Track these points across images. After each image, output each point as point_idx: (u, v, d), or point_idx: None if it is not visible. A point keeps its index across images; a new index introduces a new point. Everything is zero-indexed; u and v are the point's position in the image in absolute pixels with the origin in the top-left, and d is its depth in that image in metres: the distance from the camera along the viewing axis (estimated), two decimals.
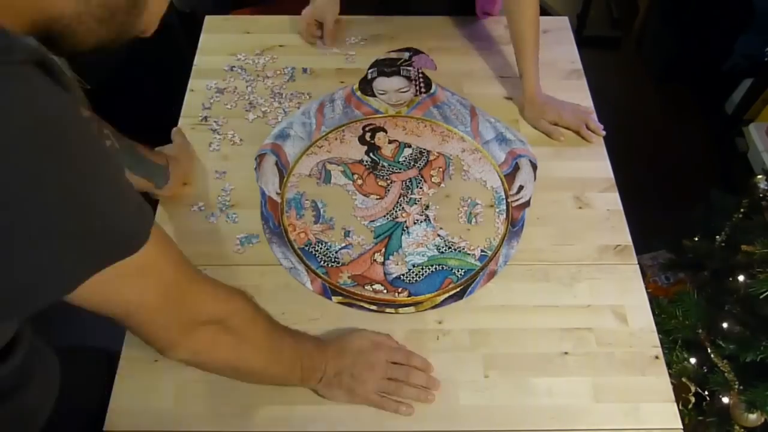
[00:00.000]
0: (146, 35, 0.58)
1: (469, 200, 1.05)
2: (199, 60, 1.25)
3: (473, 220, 1.02)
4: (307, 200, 1.04)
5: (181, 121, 1.15)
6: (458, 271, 0.96)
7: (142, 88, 1.77)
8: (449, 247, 0.99)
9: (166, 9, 0.58)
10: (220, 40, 1.29)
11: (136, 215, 0.52)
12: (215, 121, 1.15)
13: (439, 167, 1.09)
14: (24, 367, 0.66)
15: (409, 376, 0.84)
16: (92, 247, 0.48)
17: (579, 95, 1.21)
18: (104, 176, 0.48)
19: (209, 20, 1.34)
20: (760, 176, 1.21)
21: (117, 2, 0.52)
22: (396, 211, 1.03)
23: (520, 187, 1.07)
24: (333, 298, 0.94)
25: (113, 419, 0.81)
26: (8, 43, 0.42)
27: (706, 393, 1.17)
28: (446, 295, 0.94)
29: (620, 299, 0.94)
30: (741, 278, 1.14)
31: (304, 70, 1.24)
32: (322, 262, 0.97)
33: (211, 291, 0.65)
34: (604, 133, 1.14)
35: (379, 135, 1.14)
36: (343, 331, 0.89)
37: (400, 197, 1.05)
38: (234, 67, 1.24)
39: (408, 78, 1.23)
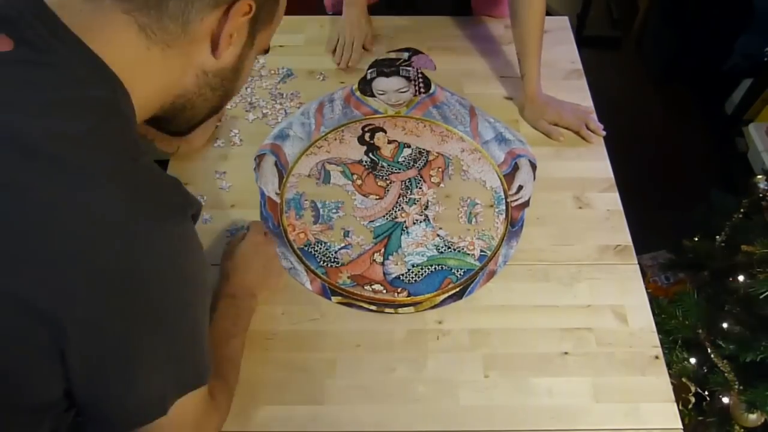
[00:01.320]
0: (234, 95, 0.66)
1: (469, 200, 1.05)
2: None
3: (473, 219, 1.02)
4: (306, 200, 1.04)
5: None
6: (458, 271, 0.96)
7: None
8: (448, 247, 0.99)
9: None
10: None
11: (208, 351, 0.61)
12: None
13: (439, 167, 1.09)
14: None
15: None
16: (193, 372, 0.58)
17: (579, 95, 1.21)
18: (204, 319, 0.58)
19: None
20: (760, 176, 1.21)
21: (226, 71, 0.59)
22: (395, 211, 1.03)
23: (520, 187, 1.07)
24: (332, 298, 0.94)
25: None
26: (186, 201, 0.53)
27: (706, 393, 1.17)
28: (446, 295, 0.94)
29: (620, 299, 0.94)
30: (741, 278, 1.14)
31: (305, 71, 1.24)
32: (322, 263, 0.97)
33: (220, 411, 0.71)
34: (604, 133, 1.14)
35: (379, 135, 1.14)
36: (343, 330, 0.90)
37: (399, 197, 1.05)
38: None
39: (407, 78, 1.23)
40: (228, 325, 0.83)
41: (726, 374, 1.12)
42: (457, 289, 0.94)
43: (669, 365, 0.94)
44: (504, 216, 1.03)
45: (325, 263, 0.97)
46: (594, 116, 1.16)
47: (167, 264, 0.50)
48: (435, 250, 0.98)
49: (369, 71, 1.25)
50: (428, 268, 0.96)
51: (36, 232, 0.45)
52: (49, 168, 0.46)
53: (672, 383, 0.87)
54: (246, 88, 1.20)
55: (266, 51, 0.67)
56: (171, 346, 0.54)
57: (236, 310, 0.85)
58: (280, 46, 1.28)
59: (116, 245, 0.47)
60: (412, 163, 1.10)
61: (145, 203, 0.49)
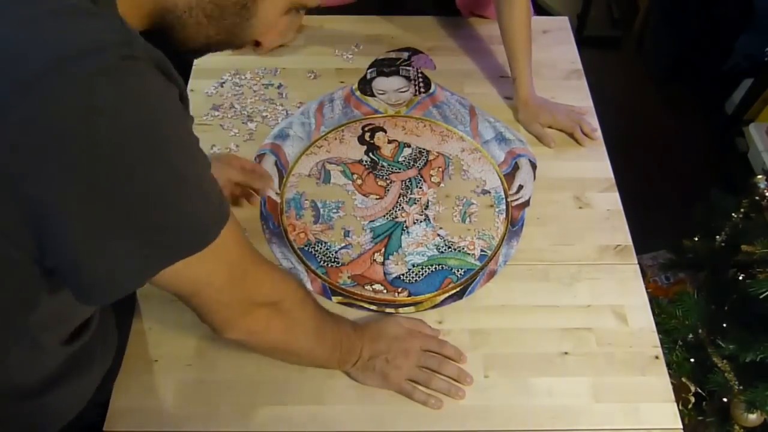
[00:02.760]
0: (263, 51, 0.62)
1: (465, 199, 1.05)
2: (199, 60, 1.25)
3: (467, 219, 1.02)
4: (306, 200, 1.04)
5: None
6: (458, 270, 0.96)
7: None
8: (449, 247, 0.99)
9: (278, 22, 0.60)
10: None
11: (217, 209, 0.54)
12: (217, 121, 1.15)
13: (439, 167, 1.09)
14: (90, 347, 0.70)
15: (441, 365, 0.85)
16: (176, 240, 0.51)
17: (579, 95, 1.21)
18: (197, 176, 0.51)
19: None
20: (760, 176, 1.21)
21: (227, 2, 0.55)
22: (395, 211, 1.03)
23: (520, 187, 1.07)
24: (333, 298, 0.94)
25: (113, 419, 0.81)
26: (129, 38, 0.45)
27: (706, 393, 1.17)
28: (446, 295, 0.94)
29: (620, 299, 0.94)
30: (741, 278, 1.14)
31: (305, 71, 1.24)
32: (322, 263, 0.97)
33: (269, 273, 0.67)
34: (597, 137, 1.13)
35: (379, 135, 1.14)
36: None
37: (399, 197, 1.05)
38: (236, 69, 1.24)
39: (407, 78, 1.23)
40: (350, 342, 0.81)
41: (726, 374, 1.12)
42: (458, 289, 0.94)
43: (669, 365, 0.94)
44: (504, 216, 1.03)
45: (326, 263, 0.97)
46: (589, 117, 1.16)
47: (124, 116, 0.44)
48: (435, 250, 0.98)
49: (369, 71, 1.25)
50: (428, 268, 0.96)
51: None
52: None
53: (672, 383, 0.87)
54: (246, 89, 1.20)
55: (309, 10, 0.61)
56: (139, 214, 0.47)
57: (349, 345, 0.82)
58: (281, 45, 1.28)
59: (66, 92, 0.42)
60: (412, 163, 1.10)
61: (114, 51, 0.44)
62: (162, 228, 0.49)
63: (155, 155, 0.46)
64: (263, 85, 1.22)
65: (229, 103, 1.18)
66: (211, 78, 1.22)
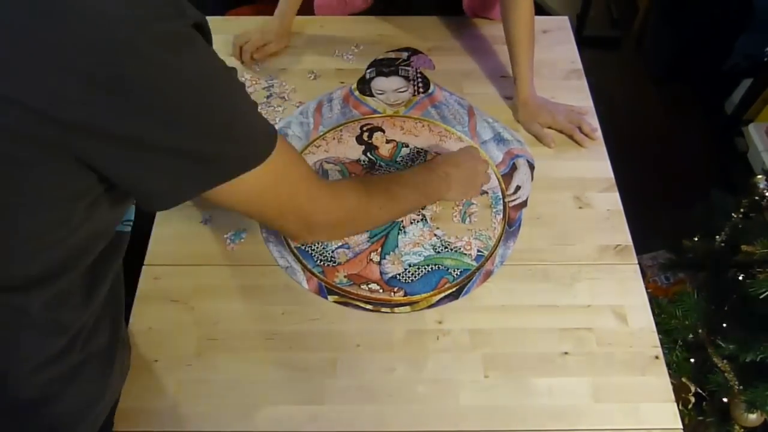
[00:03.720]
0: None
1: (464, 200, 1.04)
2: None
3: (467, 219, 1.02)
4: None
5: None
6: (454, 270, 0.96)
7: None
8: (445, 247, 0.99)
9: None
10: (220, 41, 1.29)
11: (263, 138, 0.63)
12: None
13: None
14: (110, 352, 0.73)
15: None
16: (222, 162, 0.59)
17: (579, 95, 1.21)
18: (245, 112, 0.61)
19: (209, 20, 1.33)
20: (760, 176, 1.20)
21: None
22: None
23: (517, 187, 1.07)
24: (329, 297, 0.93)
25: (113, 419, 0.81)
26: (182, 8, 0.53)
27: (706, 393, 1.17)
28: (442, 295, 0.94)
29: (620, 299, 0.94)
30: (741, 278, 1.13)
31: (305, 71, 1.24)
32: (319, 262, 0.97)
33: (327, 198, 0.75)
34: (597, 137, 1.13)
35: (377, 135, 1.14)
36: (343, 330, 0.90)
37: None
38: (236, 69, 1.24)
39: (406, 78, 1.23)
40: (414, 179, 0.92)
41: (726, 374, 1.11)
42: (454, 289, 0.94)
43: (669, 365, 0.94)
44: (501, 216, 1.03)
45: (322, 262, 0.97)
46: (589, 117, 1.16)
47: (164, 63, 0.50)
48: (432, 250, 0.98)
49: (368, 71, 1.25)
50: (425, 268, 0.96)
51: (28, 32, 0.46)
52: None
53: (672, 383, 0.87)
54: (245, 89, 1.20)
55: None
56: (185, 141, 0.54)
57: (428, 178, 0.93)
58: (273, 53, 1.28)
59: (111, 44, 0.47)
60: (410, 163, 1.10)
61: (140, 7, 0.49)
62: (232, 139, 0.58)
63: (217, 95, 0.56)
64: (263, 84, 1.22)
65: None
66: None
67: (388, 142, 1.13)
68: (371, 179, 0.95)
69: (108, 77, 0.47)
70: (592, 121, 1.16)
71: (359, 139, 1.13)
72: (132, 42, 0.47)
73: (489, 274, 0.96)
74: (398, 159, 1.10)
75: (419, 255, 0.98)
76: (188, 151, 0.55)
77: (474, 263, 0.97)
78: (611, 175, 1.09)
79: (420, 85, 1.22)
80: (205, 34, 0.58)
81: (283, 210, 0.70)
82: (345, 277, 0.95)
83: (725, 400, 1.13)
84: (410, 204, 0.93)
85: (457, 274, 0.96)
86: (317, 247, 0.98)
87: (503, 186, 1.07)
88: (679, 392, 1.14)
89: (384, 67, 1.25)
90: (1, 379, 0.62)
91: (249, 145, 0.61)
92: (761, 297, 1.02)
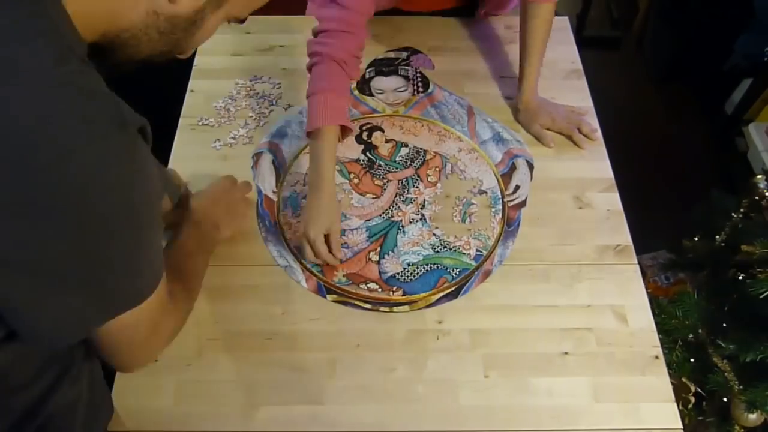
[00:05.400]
0: (184, 56, 0.64)
1: (464, 200, 1.04)
2: (199, 60, 1.25)
3: (467, 219, 1.02)
4: (303, 199, 1.04)
5: (181, 122, 1.15)
6: (453, 270, 0.96)
7: (142, 88, 1.76)
8: (444, 247, 0.99)
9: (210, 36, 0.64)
10: (220, 41, 1.29)
11: (157, 273, 0.59)
12: (217, 122, 1.15)
13: (436, 167, 1.09)
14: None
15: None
16: (118, 298, 0.55)
17: (579, 95, 1.21)
18: (151, 242, 0.56)
19: None
20: (760, 176, 1.20)
21: (179, 19, 0.57)
22: (392, 211, 1.03)
23: (517, 187, 1.07)
24: (327, 296, 0.93)
25: (113, 419, 0.81)
26: (124, 117, 0.50)
27: (706, 393, 1.17)
28: (440, 294, 0.94)
29: (620, 299, 0.94)
30: (741, 278, 1.13)
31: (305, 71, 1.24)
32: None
33: (174, 314, 0.70)
34: (597, 137, 1.13)
35: (376, 134, 1.14)
36: (343, 329, 0.90)
37: (396, 196, 1.05)
38: (236, 69, 1.24)
39: (406, 77, 1.23)
40: (191, 244, 0.86)
41: (726, 374, 1.11)
42: (452, 289, 0.94)
43: (669, 365, 0.94)
44: (500, 216, 1.03)
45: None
46: (589, 118, 1.16)
47: (90, 178, 0.47)
48: (431, 250, 0.98)
49: (368, 70, 1.25)
50: (424, 267, 0.96)
51: None
52: None
53: (672, 383, 0.87)
54: (246, 88, 1.20)
55: (241, 21, 0.67)
56: (86, 270, 0.51)
57: (199, 234, 0.88)
58: (280, 45, 1.28)
59: (24, 166, 0.45)
60: (409, 163, 1.10)
61: (66, 118, 0.46)
62: (110, 288, 0.54)
63: (132, 226, 0.52)
64: (263, 84, 1.22)
65: (228, 102, 1.18)
66: (211, 78, 1.22)
67: (387, 141, 1.13)
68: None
69: (15, 201, 0.45)
70: (592, 122, 1.16)
71: (359, 139, 1.13)
72: (51, 167, 0.45)
73: (488, 273, 0.96)
74: (397, 158, 1.10)
75: (418, 254, 0.98)
76: (98, 280, 0.52)
77: (473, 263, 0.97)
78: (611, 175, 1.09)
79: (419, 84, 1.22)
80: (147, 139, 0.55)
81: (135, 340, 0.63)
82: (344, 276, 0.95)
83: (725, 400, 1.13)
84: (202, 270, 0.87)
85: (455, 274, 0.96)
86: None
87: (502, 186, 1.07)
88: (679, 392, 1.14)
89: (383, 66, 1.25)
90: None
91: (150, 277, 0.58)
92: (761, 297, 1.02)
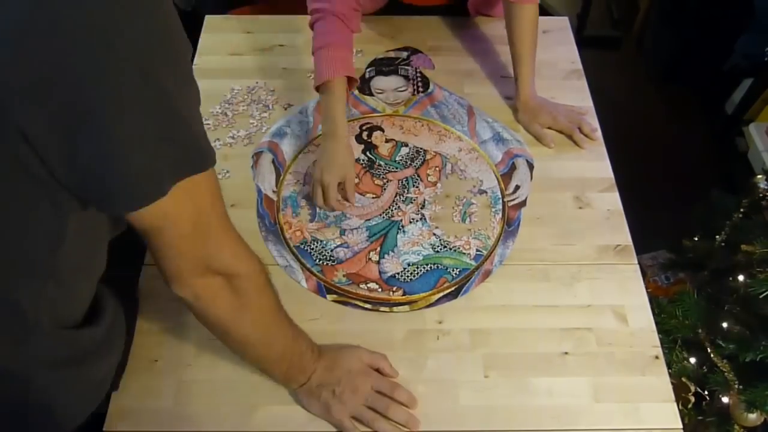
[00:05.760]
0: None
1: (465, 199, 1.04)
2: (199, 60, 1.25)
3: (467, 219, 1.02)
4: (303, 199, 1.04)
5: None
6: (453, 270, 0.96)
7: None
8: (444, 246, 0.99)
9: None
10: (220, 40, 1.29)
11: (210, 146, 0.59)
12: (215, 126, 1.15)
13: (436, 166, 1.09)
14: (108, 336, 0.71)
15: (388, 409, 0.81)
16: (187, 156, 0.55)
17: (579, 95, 1.21)
18: (197, 99, 0.58)
19: (209, 20, 1.34)
20: (760, 176, 1.20)
21: None
22: (392, 210, 1.03)
23: (517, 187, 1.07)
24: (327, 296, 0.93)
25: (113, 419, 0.81)
26: None
27: (706, 393, 1.17)
28: (440, 294, 0.94)
29: (620, 299, 0.94)
30: (741, 278, 1.13)
31: (304, 71, 1.24)
32: (318, 261, 0.97)
33: (234, 243, 0.67)
34: (597, 137, 1.13)
35: (376, 134, 1.14)
36: (343, 329, 0.90)
37: (396, 196, 1.05)
38: (236, 68, 1.24)
39: (406, 77, 1.23)
40: (294, 341, 0.79)
41: (726, 374, 1.11)
42: (452, 289, 0.94)
43: (669, 365, 0.94)
44: (500, 216, 1.03)
45: (321, 261, 0.97)
46: (589, 117, 1.16)
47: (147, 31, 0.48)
48: (431, 249, 0.98)
49: (368, 70, 1.25)
50: (424, 267, 0.96)
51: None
52: None
53: (672, 383, 0.87)
54: (246, 88, 1.20)
55: None
56: (155, 123, 0.51)
57: (300, 363, 0.80)
58: (280, 45, 1.28)
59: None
60: (409, 162, 1.10)
61: None
62: (180, 143, 0.54)
63: (183, 84, 0.54)
64: (263, 84, 1.22)
65: (228, 101, 1.18)
66: (211, 77, 1.22)
67: (387, 141, 1.13)
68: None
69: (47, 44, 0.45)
70: (592, 121, 1.16)
71: (359, 138, 1.13)
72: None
73: (488, 273, 0.96)
74: (397, 158, 1.10)
75: (418, 254, 0.98)
76: (168, 137, 0.52)
77: (473, 263, 0.97)
78: (611, 175, 1.09)
79: (419, 84, 1.22)
80: None
81: (197, 230, 0.61)
82: (344, 276, 0.95)
83: (725, 400, 1.12)
84: (268, 354, 0.78)
85: (455, 274, 0.96)
86: (316, 246, 0.98)
87: (502, 186, 1.07)
88: (679, 392, 1.14)
89: (384, 66, 1.25)
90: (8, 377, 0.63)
91: (207, 144, 0.58)
92: (761, 297, 1.02)
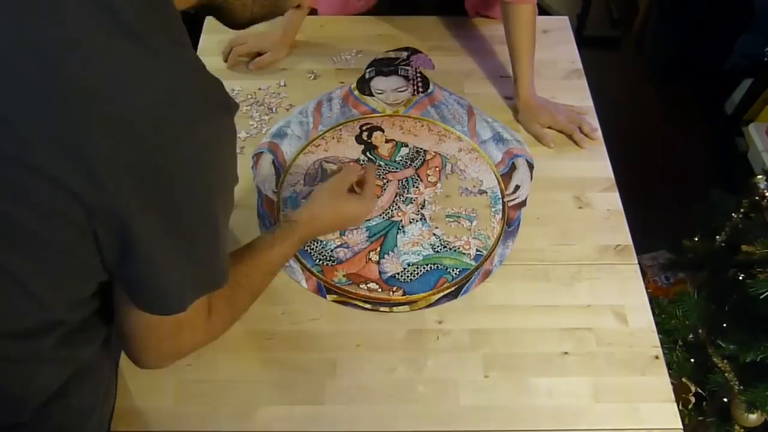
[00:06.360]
0: (303, 8, 0.66)
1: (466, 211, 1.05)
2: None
3: (470, 221, 1.02)
4: (303, 199, 1.04)
5: None
6: (453, 270, 0.96)
7: None
8: (444, 247, 0.99)
9: None
10: (220, 41, 1.29)
11: (228, 267, 0.63)
12: None
13: (436, 167, 1.09)
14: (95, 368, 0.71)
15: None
16: (209, 277, 0.60)
17: (579, 95, 1.21)
18: (223, 227, 0.59)
19: (209, 21, 1.34)
20: (760, 176, 1.20)
21: None
22: (392, 210, 1.03)
23: (517, 187, 1.07)
24: (327, 296, 0.93)
25: (113, 419, 0.81)
26: (228, 97, 0.55)
27: (706, 393, 1.17)
28: (440, 294, 0.94)
29: (620, 299, 0.94)
30: (741, 278, 1.13)
31: (304, 71, 1.24)
32: (318, 261, 0.97)
33: (206, 325, 0.68)
34: (597, 137, 1.13)
35: (376, 134, 1.14)
36: (343, 329, 0.90)
37: (396, 196, 1.05)
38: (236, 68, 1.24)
39: (406, 77, 1.23)
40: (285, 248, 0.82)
41: (726, 374, 1.11)
42: (452, 289, 0.94)
43: (669, 365, 0.94)
44: (500, 216, 1.03)
45: (321, 261, 0.97)
46: (589, 118, 1.16)
47: (199, 166, 0.51)
48: (431, 250, 0.98)
49: (368, 70, 1.25)
50: (424, 267, 0.96)
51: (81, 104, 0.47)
52: (126, 44, 0.48)
53: (672, 383, 0.87)
54: (247, 88, 1.20)
55: None
56: (190, 247, 0.55)
57: (293, 237, 0.83)
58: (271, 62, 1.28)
59: (156, 139, 0.48)
60: (409, 163, 1.10)
61: (190, 95, 0.50)
62: (209, 266, 0.59)
63: (226, 206, 0.59)
64: (263, 84, 1.22)
65: (233, 87, 1.18)
66: None
67: (387, 141, 1.13)
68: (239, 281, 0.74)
69: (145, 172, 0.48)
70: (592, 121, 1.16)
71: (358, 139, 1.13)
72: (177, 142, 0.49)
73: (488, 273, 0.96)
74: (397, 158, 1.10)
75: (418, 254, 0.98)
76: (196, 256, 0.56)
77: (473, 263, 0.97)
78: (611, 175, 1.09)
79: (419, 84, 1.22)
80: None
81: (177, 329, 0.64)
82: (344, 276, 0.95)
83: (725, 400, 1.13)
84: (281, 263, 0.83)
85: (455, 274, 0.96)
86: (316, 247, 0.98)
87: (502, 186, 1.07)
88: (679, 392, 1.14)
89: (383, 66, 1.25)
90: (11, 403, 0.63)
91: (227, 262, 0.62)
92: (761, 297, 1.02)
